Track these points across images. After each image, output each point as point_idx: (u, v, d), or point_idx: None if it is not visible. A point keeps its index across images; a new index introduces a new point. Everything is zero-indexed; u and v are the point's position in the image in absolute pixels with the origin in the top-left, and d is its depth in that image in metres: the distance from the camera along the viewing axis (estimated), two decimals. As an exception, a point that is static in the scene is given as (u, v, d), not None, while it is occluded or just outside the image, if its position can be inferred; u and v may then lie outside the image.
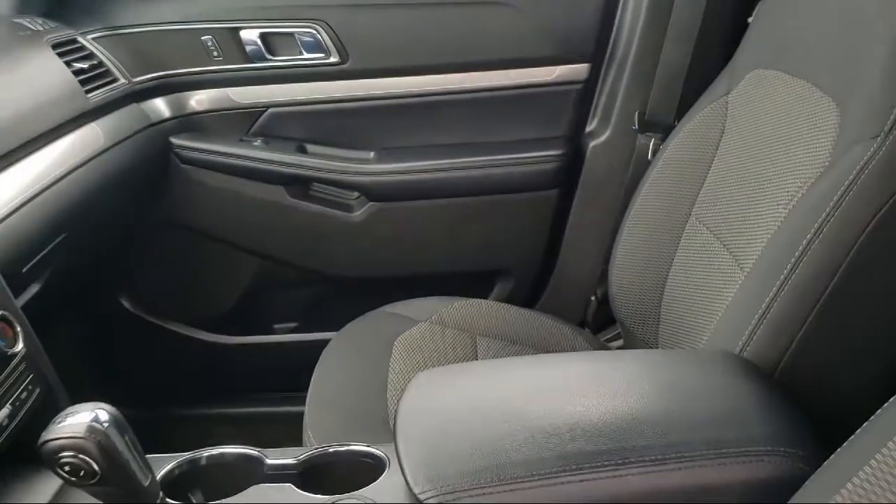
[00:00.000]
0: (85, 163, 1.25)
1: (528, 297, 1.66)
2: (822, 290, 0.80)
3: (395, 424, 0.71)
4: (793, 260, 0.81)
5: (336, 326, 1.35)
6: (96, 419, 0.65)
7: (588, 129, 1.59)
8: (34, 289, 1.08)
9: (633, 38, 1.48)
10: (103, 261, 1.56)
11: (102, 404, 0.66)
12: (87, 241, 1.33)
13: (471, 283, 1.62)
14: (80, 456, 0.63)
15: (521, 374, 0.78)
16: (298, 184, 1.59)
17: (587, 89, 1.57)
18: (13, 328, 0.82)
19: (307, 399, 1.16)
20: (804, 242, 0.81)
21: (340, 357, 1.25)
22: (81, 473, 0.64)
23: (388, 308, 1.36)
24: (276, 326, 1.73)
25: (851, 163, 0.80)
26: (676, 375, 0.75)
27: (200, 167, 1.57)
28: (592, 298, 1.55)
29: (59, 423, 0.65)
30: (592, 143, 1.55)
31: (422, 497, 0.62)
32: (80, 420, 0.64)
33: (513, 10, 1.51)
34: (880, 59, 0.82)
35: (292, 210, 1.59)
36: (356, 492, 0.75)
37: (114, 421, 0.65)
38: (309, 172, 1.57)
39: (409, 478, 0.64)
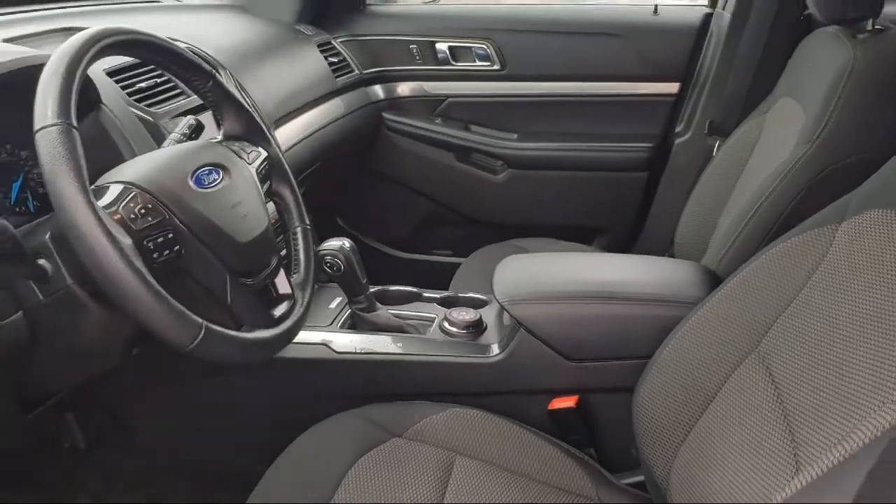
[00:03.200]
0: (332, 122, 1.72)
1: (619, 252, 1.89)
2: (766, 231, 1.17)
3: (493, 277, 1.16)
4: (752, 212, 1.18)
5: (477, 255, 1.71)
6: (343, 244, 1.16)
7: (676, 130, 1.85)
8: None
9: (712, 67, 1.75)
10: (332, 190, 2.00)
11: (345, 238, 1.17)
12: (327, 173, 1.77)
13: (577, 235, 1.85)
14: (335, 259, 1.14)
15: (568, 258, 1.22)
16: (463, 152, 1.96)
17: (677, 101, 1.85)
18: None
19: (449, 287, 1.58)
20: (761, 201, 1.18)
21: (472, 266, 1.65)
22: (334, 269, 1.15)
23: (510, 241, 1.72)
24: (435, 251, 2.10)
25: (793, 156, 1.16)
26: (659, 268, 1.16)
27: (400, 135, 1.98)
28: (666, 255, 1.83)
29: (325, 244, 1.16)
30: (677, 141, 1.83)
31: (502, 301, 1.08)
32: (336, 243, 1.16)
33: (626, 41, 1.82)
34: (824, 89, 1.16)
35: (457, 170, 1.97)
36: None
37: (351, 246, 1.16)
38: (471, 144, 1.95)
39: (496, 294, 1.10)
